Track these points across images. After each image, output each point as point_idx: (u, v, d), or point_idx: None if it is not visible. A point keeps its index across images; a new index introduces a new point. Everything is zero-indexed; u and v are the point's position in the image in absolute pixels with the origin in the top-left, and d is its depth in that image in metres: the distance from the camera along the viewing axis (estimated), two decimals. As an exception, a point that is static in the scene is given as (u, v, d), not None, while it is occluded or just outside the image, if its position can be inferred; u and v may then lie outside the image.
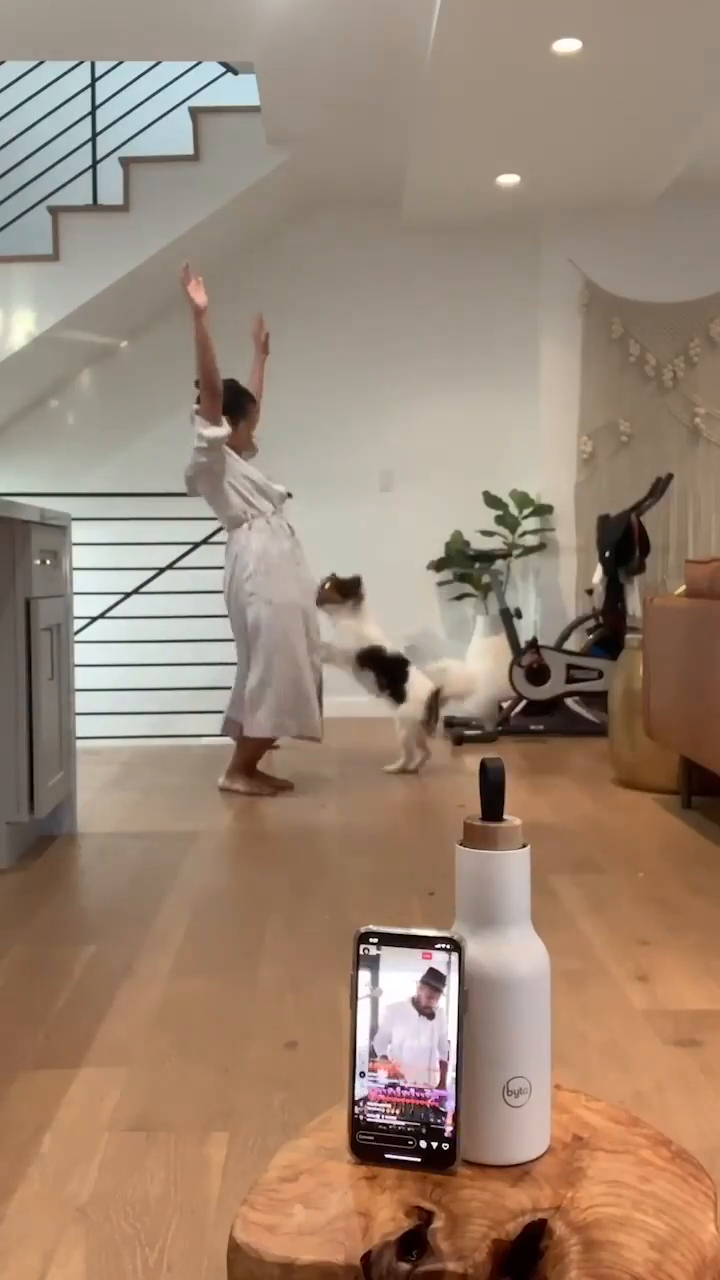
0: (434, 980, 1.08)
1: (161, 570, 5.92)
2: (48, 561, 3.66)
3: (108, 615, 5.97)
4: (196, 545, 5.91)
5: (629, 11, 4.20)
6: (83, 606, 5.93)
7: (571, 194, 6.20)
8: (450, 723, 6.12)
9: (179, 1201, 1.61)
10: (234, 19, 4.72)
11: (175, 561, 5.91)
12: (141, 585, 5.97)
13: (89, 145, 6.34)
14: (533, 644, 5.86)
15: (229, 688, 5.94)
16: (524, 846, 1.12)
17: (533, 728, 5.87)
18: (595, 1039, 2.16)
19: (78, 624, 5.99)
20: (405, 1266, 0.96)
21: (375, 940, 1.10)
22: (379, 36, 4.65)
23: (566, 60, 4.58)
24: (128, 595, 5.98)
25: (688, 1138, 1.75)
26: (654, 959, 2.59)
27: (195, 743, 5.79)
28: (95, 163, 6.28)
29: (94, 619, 5.94)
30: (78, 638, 5.75)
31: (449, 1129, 1.07)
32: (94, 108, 6.33)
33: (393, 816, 4.11)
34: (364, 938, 1.11)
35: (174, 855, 3.57)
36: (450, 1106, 1.07)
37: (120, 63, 6.23)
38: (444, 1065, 1.08)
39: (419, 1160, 1.08)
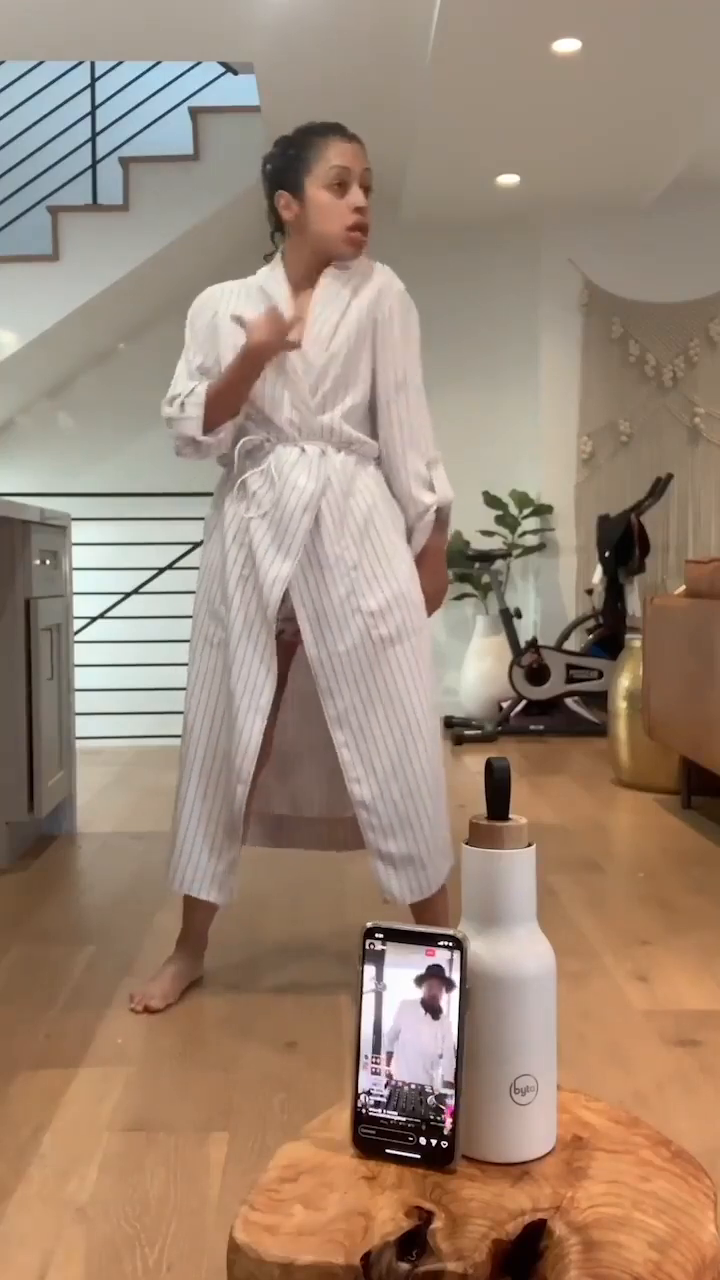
0: (435, 981, 1.09)
1: (161, 570, 5.92)
2: (48, 561, 3.66)
3: (108, 615, 5.97)
4: (196, 545, 5.91)
5: (629, 11, 4.20)
6: (83, 606, 5.94)
7: (571, 194, 6.19)
8: (450, 723, 6.12)
9: (179, 1201, 1.61)
10: (234, 19, 4.72)
11: (175, 561, 5.91)
12: (141, 585, 5.97)
13: (89, 145, 6.34)
14: (533, 644, 5.86)
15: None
16: (530, 845, 1.12)
17: (533, 728, 5.87)
18: (595, 1039, 2.16)
19: (78, 624, 5.99)
20: (405, 1266, 0.96)
21: (381, 936, 1.11)
22: (379, 37, 4.65)
23: (566, 60, 4.58)
24: (128, 595, 5.98)
25: (688, 1138, 1.75)
26: (654, 959, 2.59)
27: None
28: (95, 163, 6.28)
29: (94, 619, 5.94)
30: (78, 638, 5.75)
31: (448, 1127, 1.08)
32: (94, 108, 6.32)
33: (393, 816, 4.11)
34: (370, 933, 1.11)
35: (174, 855, 3.56)
36: (450, 1104, 1.08)
37: (120, 63, 6.23)
38: (445, 1063, 1.08)
39: (418, 1157, 1.08)
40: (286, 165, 2.37)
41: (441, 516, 2.40)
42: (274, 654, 2.31)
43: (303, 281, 2.40)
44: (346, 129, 2.39)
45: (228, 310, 2.38)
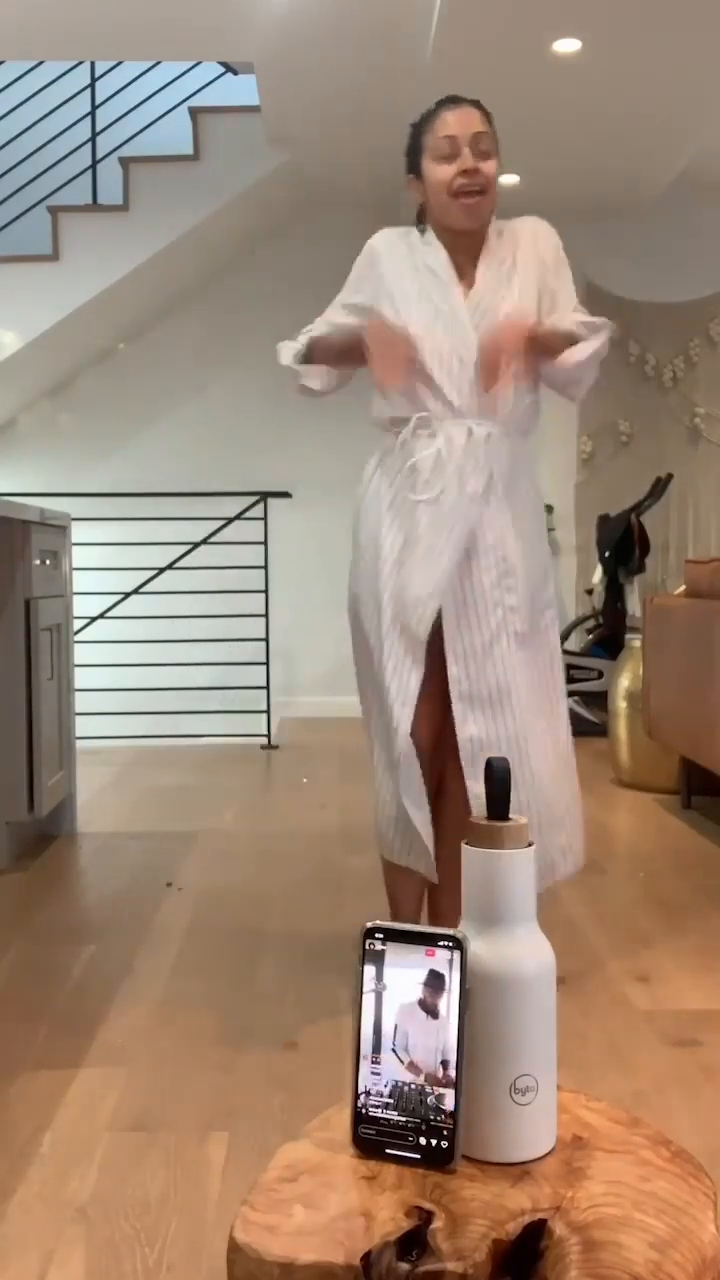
0: (435, 981, 1.09)
1: (161, 570, 5.92)
2: (48, 561, 3.66)
3: (108, 615, 5.97)
4: (196, 545, 5.91)
5: (629, 11, 4.20)
6: (83, 606, 5.93)
7: (571, 194, 6.19)
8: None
9: (179, 1201, 1.61)
10: (234, 19, 4.72)
11: (175, 561, 5.91)
12: (141, 585, 5.97)
13: (89, 145, 6.34)
14: (533, 644, 5.85)
15: (229, 688, 5.96)
16: (530, 845, 1.13)
17: (533, 728, 5.85)
18: (595, 1039, 2.16)
19: (78, 624, 5.99)
20: (405, 1266, 0.96)
21: (381, 936, 1.11)
22: (379, 36, 4.65)
23: (566, 60, 4.58)
24: (128, 595, 5.98)
25: (688, 1138, 1.75)
26: (654, 959, 2.59)
27: (195, 743, 5.79)
28: (95, 163, 6.28)
29: (94, 619, 5.93)
30: (78, 638, 5.75)
31: (448, 1127, 1.08)
32: (94, 108, 6.32)
33: (393, 816, 4.11)
34: (370, 933, 1.11)
35: (174, 855, 3.56)
36: (450, 1104, 1.08)
37: (120, 63, 6.23)
38: (446, 1063, 1.08)
39: (418, 1157, 1.08)
40: (411, 149, 2.47)
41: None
42: (421, 648, 2.29)
43: (456, 256, 2.41)
44: (461, 97, 2.52)
45: (392, 263, 2.42)
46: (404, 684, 2.29)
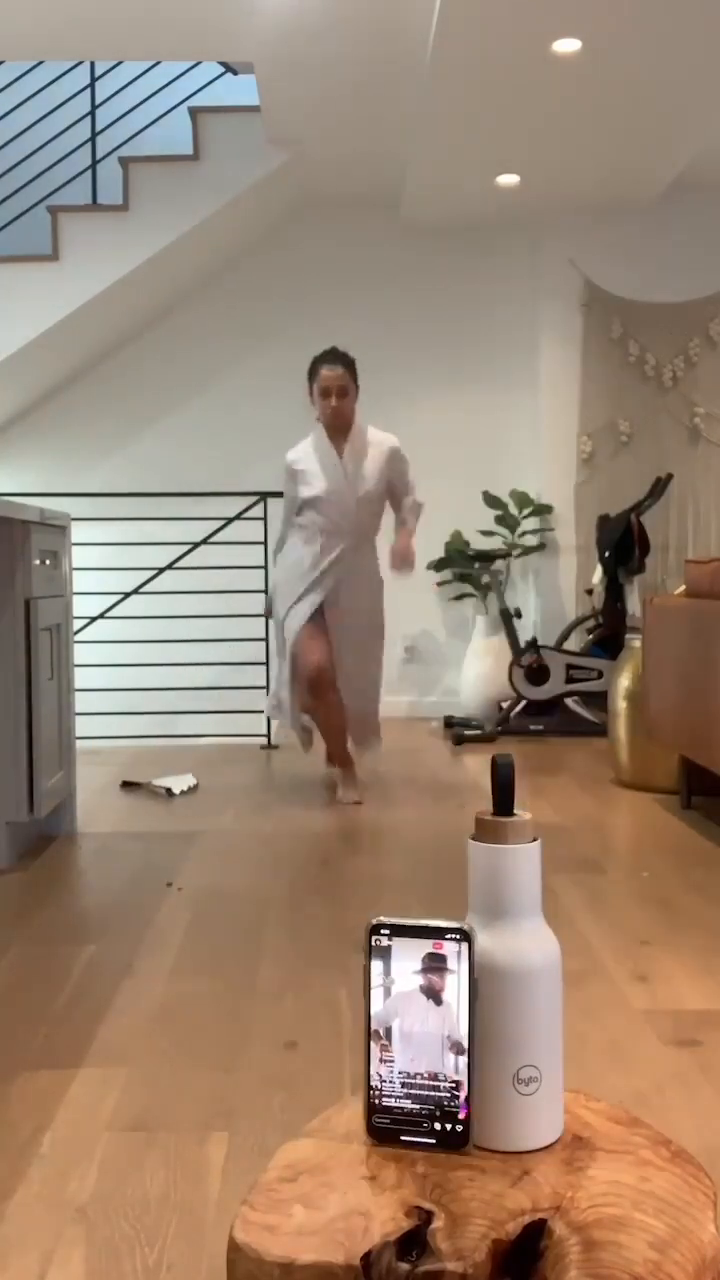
0: (435, 963, 1.10)
1: (161, 570, 5.92)
2: (48, 561, 3.66)
3: (108, 615, 5.97)
4: (196, 545, 5.91)
5: (629, 11, 4.20)
6: (83, 606, 5.93)
7: (571, 194, 6.20)
8: (450, 723, 6.12)
9: (179, 1201, 1.61)
10: (234, 19, 4.72)
11: (175, 561, 5.91)
12: (141, 585, 5.97)
13: (89, 145, 6.34)
14: (533, 644, 5.86)
15: (229, 688, 5.97)
16: (535, 840, 1.13)
17: (533, 728, 5.87)
18: (595, 1039, 2.16)
19: (78, 624, 5.99)
20: (405, 1266, 0.96)
21: (387, 931, 1.12)
22: (379, 36, 4.65)
23: (566, 60, 4.58)
24: (128, 595, 5.98)
25: (688, 1138, 1.75)
26: (654, 959, 2.59)
27: (195, 743, 5.79)
28: (95, 162, 6.28)
29: (94, 619, 5.94)
30: (78, 638, 5.75)
31: (463, 1111, 1.09)
32: (93, 107, 6.32)
33: (392, 816, 4.11)
34: (376, 929, 1.12)
35: (174, 855, 3.57)
36: (464, 1090, 1.09)
37: (120, 62, 6.23)
38: (456, 1050, 1.09)
39: (434, 1142, 1.10)
40: (309, 375, 4.41)
41: (417, 509, 4.61)
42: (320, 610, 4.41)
43: (334, 438, 4.43)
44: (332, 358, 4.37)
45: (303, 461, 4.43)
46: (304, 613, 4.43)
